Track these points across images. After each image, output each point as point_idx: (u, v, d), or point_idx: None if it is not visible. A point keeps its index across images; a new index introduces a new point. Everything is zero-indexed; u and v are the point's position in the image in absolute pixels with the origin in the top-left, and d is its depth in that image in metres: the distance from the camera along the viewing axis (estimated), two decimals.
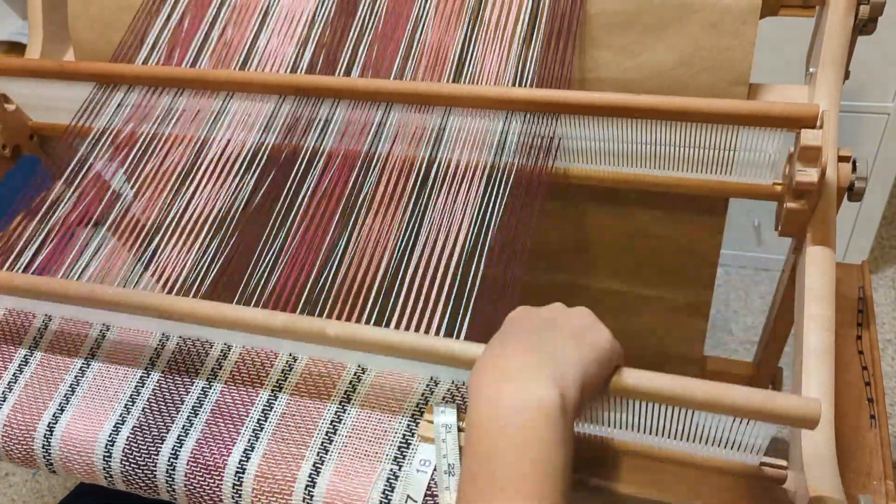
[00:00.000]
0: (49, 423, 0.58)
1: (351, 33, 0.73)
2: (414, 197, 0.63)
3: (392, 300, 0.58)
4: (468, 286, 0.58)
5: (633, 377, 0.47)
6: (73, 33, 0.84)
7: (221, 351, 0.59)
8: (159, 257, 0.64)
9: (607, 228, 0.82)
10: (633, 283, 0.88)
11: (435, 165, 0.65)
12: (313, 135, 0.68)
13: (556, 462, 0.39)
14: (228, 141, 0.69)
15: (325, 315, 0.58)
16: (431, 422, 0.51)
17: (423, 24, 0.71)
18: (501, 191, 0.63)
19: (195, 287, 0.62)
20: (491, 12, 0.70)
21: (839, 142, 0.64)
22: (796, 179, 0.58)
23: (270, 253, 0.62)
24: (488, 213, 0.62)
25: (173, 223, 0.65)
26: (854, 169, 0.63)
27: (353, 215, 0.63)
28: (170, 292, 0.62)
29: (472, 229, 0.61)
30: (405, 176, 0.65)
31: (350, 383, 0.56)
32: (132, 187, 0.69)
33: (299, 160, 0.67)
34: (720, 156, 0.64)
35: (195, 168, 0.68)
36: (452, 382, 0.54)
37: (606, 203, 0.80)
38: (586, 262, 0.87)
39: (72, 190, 0.69)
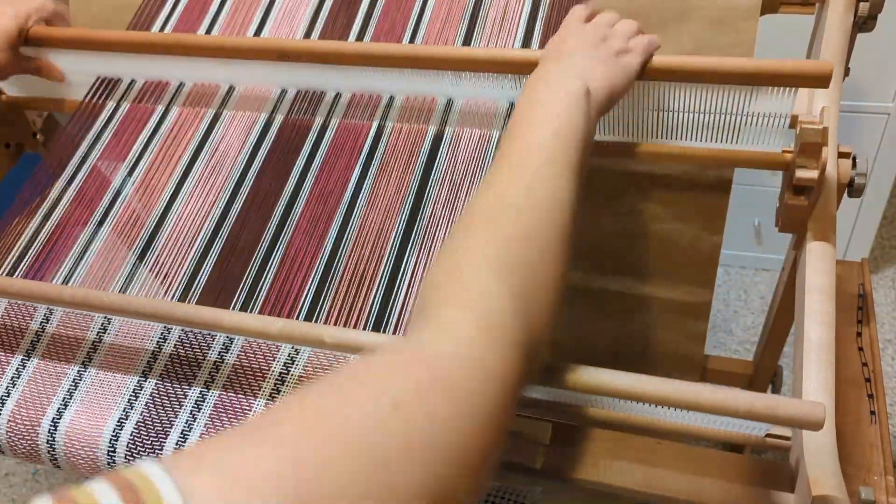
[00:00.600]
0: (53, 418, 0.58)
1: (354, 26, 0.73)
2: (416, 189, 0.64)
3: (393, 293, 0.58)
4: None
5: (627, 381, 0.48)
6: None
7: (224, 345, 0.59)
8: (157, 252, 0.64)
9: (607, 228, 0.83)
10: (634, 283, 0.88)
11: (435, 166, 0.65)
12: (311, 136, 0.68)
13: (574, 135, 0.49)
14: (223, 137, 0.69)
15: (326, 309, 0.58)
16: None
17: (424, 17, 0.72)
18: None
19: (196, 277, 0.62)
20: (491, 6, 0.71)
21: (839, 140, 0.64)
22: (796, 175, 0.59)
23: (271, 244, 0.62)
24: None
25: (173, 216, 0.66)
26: (854, 165, 0.63)
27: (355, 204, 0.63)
28: (168, 288, 0.62)
29: None
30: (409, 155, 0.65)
31: None
32: (132, 180, 0.69)
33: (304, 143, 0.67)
34: (728, 121, 0.62)
35: (197, 159, 0.69)
36: None
37: (607, 202, 0.80)
38: (586, 262, 0.87)
39: (71, 185, 0.69)
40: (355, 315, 0.58)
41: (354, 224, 0.62)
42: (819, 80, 0.57)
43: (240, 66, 0.69)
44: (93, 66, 0.75)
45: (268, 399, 0.56)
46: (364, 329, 0.57)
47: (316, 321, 0.58)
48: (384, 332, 0.56)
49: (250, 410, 0.56)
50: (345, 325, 0.57)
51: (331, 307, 0.58)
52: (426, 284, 0.43)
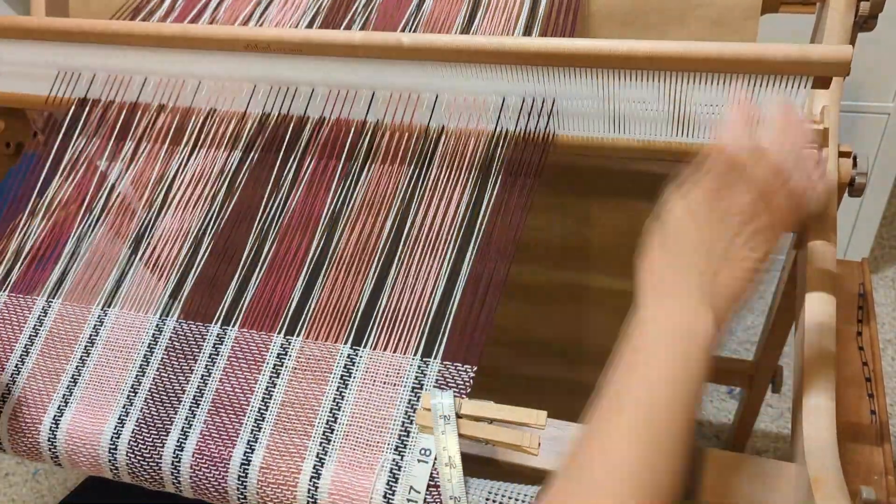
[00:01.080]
0: (54, 416, 0.58)
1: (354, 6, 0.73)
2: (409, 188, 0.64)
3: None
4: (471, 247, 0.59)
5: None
6: None
7: (218, 336, 0.59)
8: (152, 237, 0.64)
9: (608, 227, 0.83)
10: (634, 283, 0.88)
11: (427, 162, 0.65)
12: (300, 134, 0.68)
13: (696, 392, 0.42)
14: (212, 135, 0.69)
15: (320, 293, 0.59)
16: (428, 409, 0.52)
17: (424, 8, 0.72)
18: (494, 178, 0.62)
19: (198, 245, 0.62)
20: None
21: (839, 140, 0.64)
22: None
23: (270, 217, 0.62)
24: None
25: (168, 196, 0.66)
26: (854, 164, 0.63)
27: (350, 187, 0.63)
28: (161, 269, 0.62)
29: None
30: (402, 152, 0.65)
31: (345, 367, 0.56)
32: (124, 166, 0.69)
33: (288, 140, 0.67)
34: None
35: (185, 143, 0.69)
36: (442, 362, 0.55)
37: (607, 202, 0.80)
38: (587, 261, 0.87)
39: (65, 176, 0.69)
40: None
41: (354, 203, 0.62)
42: (836, 69, 0.54)
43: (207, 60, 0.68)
44: (53, 59, 0.74)
45: (264, 393, 0.56)
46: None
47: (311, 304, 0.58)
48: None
49: (248, 406, 0.56)
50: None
51: (331, 285, 0.59)
52: None
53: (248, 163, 0.67)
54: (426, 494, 0.50)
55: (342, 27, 0.73)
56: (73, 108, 0.73)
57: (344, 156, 0.65)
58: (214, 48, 0.66)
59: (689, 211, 0.46)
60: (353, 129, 0.66)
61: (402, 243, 0.60)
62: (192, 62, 0.69)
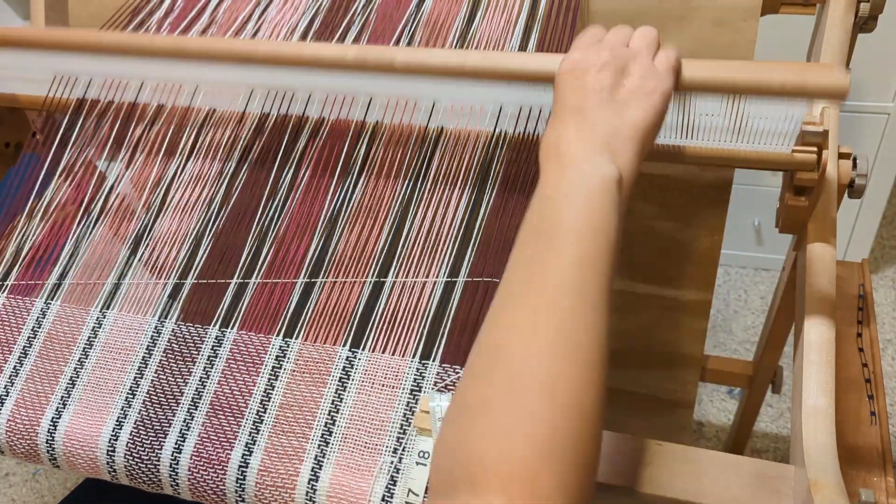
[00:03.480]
0: (52, 418, 0.58)
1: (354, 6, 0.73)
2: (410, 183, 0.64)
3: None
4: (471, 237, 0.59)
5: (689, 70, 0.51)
6: None
7: (216, 338, 0.59)
8: (151, 239, 0.64)
9: None
10: (634, 282, 0.88)
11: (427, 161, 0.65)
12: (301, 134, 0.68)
13: (610, 231, 0.43)
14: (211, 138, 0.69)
15: (319, 295, 0.59)
16: (426, 412, 0.52)
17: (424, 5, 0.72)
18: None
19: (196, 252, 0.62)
20: None
21: (839, 141, 0.64)
22: (797, 175, 0.59)
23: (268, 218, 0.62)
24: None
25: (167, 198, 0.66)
26: (854, 166, 0.63)
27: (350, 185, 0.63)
28: (160, 271, 0.62)
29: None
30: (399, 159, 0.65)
31: (343, 369, 0.56)
32: (125, 166, 0.69)
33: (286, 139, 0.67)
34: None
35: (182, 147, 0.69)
36: (440, 365, 0.54)
37: None
38: None
39: (64, 177, 0.69)
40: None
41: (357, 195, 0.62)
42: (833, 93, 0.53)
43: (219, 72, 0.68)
44: (50, 65, 0.74)
45: (262, 395, 0.56)
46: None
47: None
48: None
49: (246, 408, 0.56)
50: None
51: (330, 287, 0.59)
52: (440, 452, 0.40)
53: (246, 164, 0.67)
54: (424, 497, 0.50)
55: (341, 28, 0.72)
56: (71, 108, 0.73)
57: (342, 158, 0.65)
58: (208, 60, 0.66)
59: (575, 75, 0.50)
60: (351, 131, 0.66)
61: (400, 245, 0.60)
62: (187, 69, 0.69)
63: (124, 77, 0.72)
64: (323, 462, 0.53)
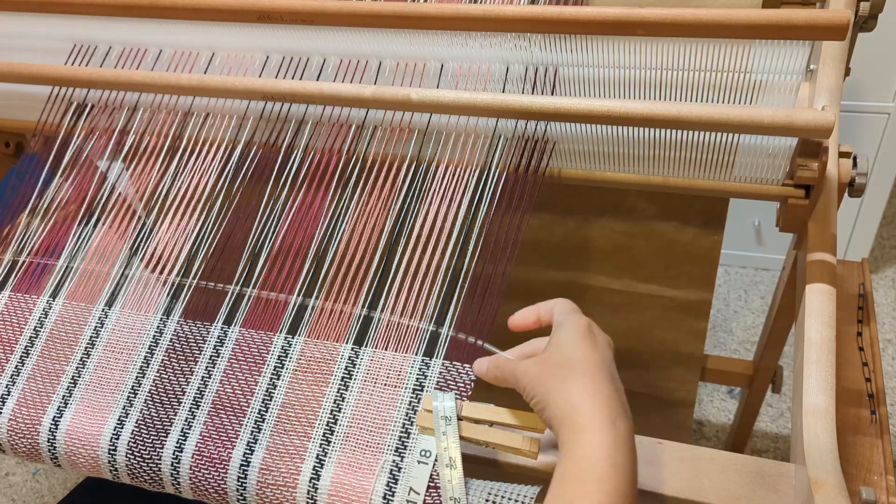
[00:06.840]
0: (54, 416, 0.58)
1: None
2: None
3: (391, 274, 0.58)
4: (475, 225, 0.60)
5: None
6: None
7: (218, 338, 0.59)
8: (153, 238, 0.64)
9: (608, 227, 0.83)
10: (634, 282, 0.88)
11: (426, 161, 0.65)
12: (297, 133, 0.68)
13: (629, 485, 0.44)
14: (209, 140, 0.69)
15: (321, 293, 0.59)
16: (429, 411, 0.52)
17: None
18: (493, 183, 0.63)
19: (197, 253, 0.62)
20: None
21: (839, 140, 0.64)
22: (797, 174, 0.59)
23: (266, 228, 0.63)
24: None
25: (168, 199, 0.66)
26: (854, 165, 0.63)
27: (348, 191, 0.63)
28: (162, 270, 0.62)
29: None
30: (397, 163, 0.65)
31: (346, 368, 0.56)
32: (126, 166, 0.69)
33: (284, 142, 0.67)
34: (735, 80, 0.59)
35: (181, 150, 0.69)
36: (443, 364, 0.54)
37: (607, 201, 0.80)
38: (587, 261, 0.87)
39: (65, 177, 0.69)
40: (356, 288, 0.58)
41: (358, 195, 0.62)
42: (833, 33, 0.53)
43: (219, 31, 0.69)
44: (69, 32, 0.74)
45: (264, 394, 0.56)
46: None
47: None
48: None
49: (248, 407, 0.56)
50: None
51: (333, 284, 0.59)
52: None
53: (248, 161, 0.67)
54: (426, 496, 0.50)
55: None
56: (70, 109, 0.73)
57: (345, 152, 0.65)
58: (224, 19, 0.67)
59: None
60: (353, 127, 0.66)
61: (403, 242, 0.60)
62: (202, 32, 0.70)
63: (142, 45, 0.73)
64: (324, 461, 0.53)
